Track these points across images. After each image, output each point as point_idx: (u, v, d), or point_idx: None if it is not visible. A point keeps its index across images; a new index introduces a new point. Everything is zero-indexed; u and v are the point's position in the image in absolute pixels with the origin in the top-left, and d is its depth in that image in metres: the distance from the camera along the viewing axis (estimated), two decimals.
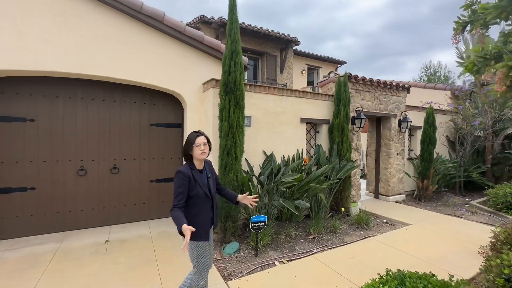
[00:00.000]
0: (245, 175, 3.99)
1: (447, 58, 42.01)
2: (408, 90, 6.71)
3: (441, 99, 8.51)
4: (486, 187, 7.61)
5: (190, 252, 2.04)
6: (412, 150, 7.57)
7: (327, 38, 55.00)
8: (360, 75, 5.74)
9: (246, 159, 4.36)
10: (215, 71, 4.89)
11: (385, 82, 6.15)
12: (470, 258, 3.50)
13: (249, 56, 11.54)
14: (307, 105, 5.24)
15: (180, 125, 5.07)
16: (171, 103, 5.00)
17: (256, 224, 3.36)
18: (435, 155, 7.19)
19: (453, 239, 4.15)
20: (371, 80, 5.89)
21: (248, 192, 3.03)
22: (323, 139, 5.52)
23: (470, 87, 7.96)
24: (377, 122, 6.80)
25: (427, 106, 6.96)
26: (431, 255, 3.59)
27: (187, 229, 1.68)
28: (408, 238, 4.20)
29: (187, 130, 4.74)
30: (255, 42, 11.33)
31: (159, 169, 4.92)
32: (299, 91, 5.14)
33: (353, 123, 5.62)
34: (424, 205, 6.35)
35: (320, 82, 6.16)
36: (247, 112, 4.38)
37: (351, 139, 5.58)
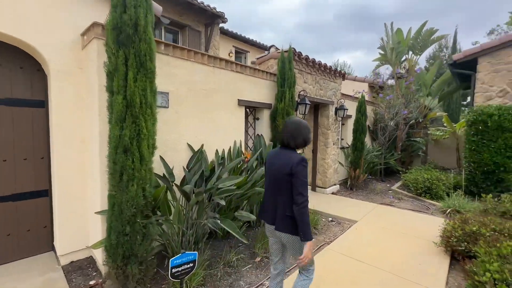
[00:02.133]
0: (160, 184, 2.52)
1: (349, 60, 48.71)
2: (343, 77, 6.43)
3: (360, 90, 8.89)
4: (400, 172, 8.43)
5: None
6: (343, 139, 7.54)
7: (250, 29, 55.09)
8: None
9: (161, 158, 2.86)
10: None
11: (325, 65, 5.58)
12: (432, 260, 3.17)
13: (168, 28, 9.40)
14: (246, 83, 4.05)
15: (41, 104, 3.01)
16: (20, 64, 2.88)
17: (179, 270, 1.99)
18: (367, 145, 7.34)
19: (403, 236, 3.88)
20: (313, 61, 5.18)
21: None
22: (264, 127, 4.49)
23: (388, 78, 8.51)
24: (315, 109, 6.30)
25: (358, 95, 6.91)
26: (395, 263, 3.10)
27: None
28: (363, 242, 3.68)
29: (55, 112, 2.80)
30: (175, 11, 9.23)
31: (5, 179, 2.80)
32: (237, 64, 3.88)
33: (296, 108, 4.80)
34: (357, 194, 6.30)
35: (258, 58, 5.07)
36: (162, 85, 2.85)
37: None
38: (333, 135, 6.29)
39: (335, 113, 6.25)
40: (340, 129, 6.84)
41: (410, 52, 8.84)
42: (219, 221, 2.47)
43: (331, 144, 6.20)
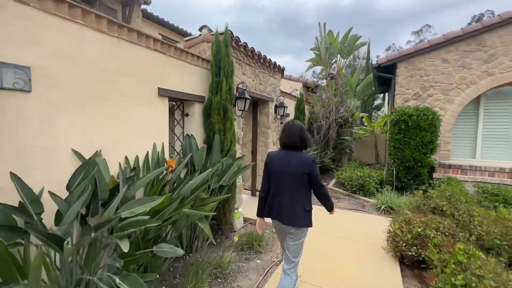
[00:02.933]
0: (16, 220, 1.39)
1: (279, 63, 51.20)
2: (282, 73, 6.06)
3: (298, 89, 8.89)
4: (333, 170, 8.72)
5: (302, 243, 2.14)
6: None
7: (182, 23, 51.77)
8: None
9: (13, 176, 1.67)
10: None
11: (265, 57, 5.05)
12: (385, 269, 2.93)
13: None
14: (171, 68, 3.09)
15: None
16: None
17: None
18: None
19: (351, 243, 3.63)
20: (252, 51, 4.55)
21: None
22: (195, 125, 3.59)
23: (322, 78, 8.67)
24: (254, 106, 5.72)
25: (297, 93, 6.70)
26: (351, 281, 2.72)
27: None
28: (315, 256, 3.23)
29: None
30: None
31: None
32: (158, 41, 2.88)
33: (234, 104, 4.08)
34: None
35: (187, 40, 4.11)
36: (18, 52, 1.69)
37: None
38: (273, 134, 5.85)
39: (275, 111, 5.83)
40: (279, 128, 6.48)
41: (339, 56, 9.30)
42: (117, 279, 1.50)
43: (271, 145, 5.75)
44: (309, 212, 2.10)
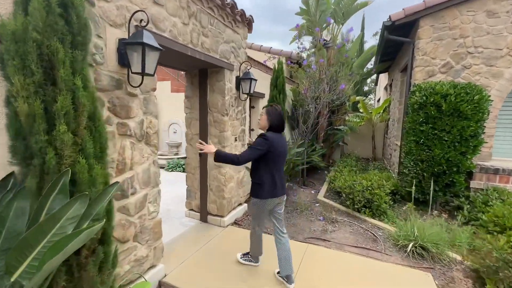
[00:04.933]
0: None
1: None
2: (249, 24, 3.81)
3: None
4: (323, 169, 6.72)
5: None
6: (253, 130, 5.09)
7: None
8: None
9: None
10: None
11: None
12: None
13: None
14: None
15: None
16: None
17: None
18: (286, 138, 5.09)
19: None
20: None
21: None
22: None
23: (311, 48, 6.43)
24: (201, 77, 3.48)
25: (274, 61, 4.50)
26: None
27: None
28: None
29: None
30: None
31: None
32: None
33: (124, 60, 1.85)
34: None
35: None
36: None
37: (107, 102, 1.83)
38: (235, 124, 3.67)
39: (237, 87, 3.62)
40: (247, 114, 4.29)
41: (332, 21, 7.08)
42: None
43: (231, 140, 3.57)
44: None
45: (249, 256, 2.69)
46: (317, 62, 5.05)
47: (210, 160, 3.55)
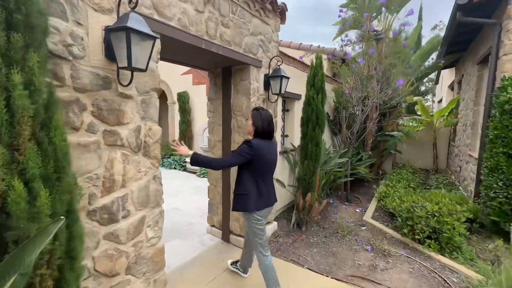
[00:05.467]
0: None
1: None
2: (282, 14, 3.26)
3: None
4: (371, 182, 5.76)
5: None
6: (287, 136, 4.50)
7: None
8: None
9: None
10: None
11: None
12: None
13: None
14: None
15: None
16: None
17: None
18: (326, 146, 4.41)
19: None
20: None
21: None
22: None
23: (356, 41, 5.56)
24: (224, 77, 3.04)
25: (311, 58, 3.87)
26: None
27: None
28: None
29: None
30: None
31: None
32: None
33: (109, 53, 1.48)
34: (307, 241, 3.33)
35: None
36: None
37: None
38: None
39: (266, 87, 3.09)
40: (279, 118, 3.74)
41: (384, 10, 6.09)
42: None
43: None
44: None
45: (238, 265, 2.55)
46: (365, 54, 4.23)
47: (234, 170, 3.09)
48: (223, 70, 3.02)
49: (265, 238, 2.07)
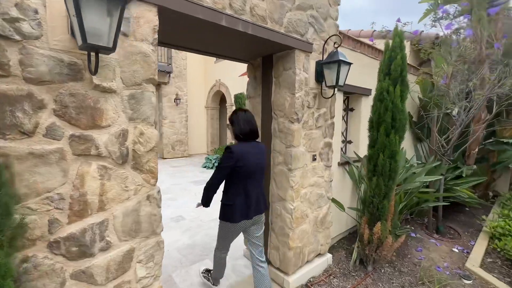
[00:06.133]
0: None
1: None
2: None
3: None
4: (476, 209, 4.18)
5: None
6: (350, 142, 3.56)
7: None
8: None
9: None
10: None
11: None
12: None
13: None
14: None
15: None
16: None
17: None
18: (406, 156, 3.32)
19: None
20: None
21: None
22: None
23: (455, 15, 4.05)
24: (264, 68, 2.43)
25: (385, 41, 2.87)
26: None
27: None
28: None
29: None
30: None
31: None
32: None
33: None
34: None
35: None
36: None
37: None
38: (313, 135, 2.39)
39: (318, 78, 2.33)
40: (338, 118, 2.89)
41: None
42: None
43: (304, 160, 2.32)
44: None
45: (209, 275, 2.35)
46: (475, 25, 2.91)
47: (273, 186, 2.44)
48: (263, 60, 2.42)
49: (260, 248, 2.01)
